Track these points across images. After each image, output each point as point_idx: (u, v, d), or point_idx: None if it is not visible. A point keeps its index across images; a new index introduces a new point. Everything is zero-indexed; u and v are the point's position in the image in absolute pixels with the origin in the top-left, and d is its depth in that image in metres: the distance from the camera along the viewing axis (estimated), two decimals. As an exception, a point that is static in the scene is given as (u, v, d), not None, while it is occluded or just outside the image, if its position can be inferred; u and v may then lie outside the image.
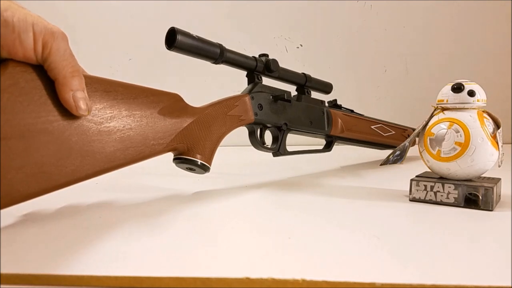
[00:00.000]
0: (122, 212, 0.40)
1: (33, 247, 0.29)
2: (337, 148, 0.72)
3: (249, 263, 0.27)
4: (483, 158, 0.40)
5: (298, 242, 0.31)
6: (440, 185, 0.41)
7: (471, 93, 0.41)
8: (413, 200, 0.43)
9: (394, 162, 0.46)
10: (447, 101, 0.42)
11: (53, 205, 0.41)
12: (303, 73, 0.61)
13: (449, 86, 0.42)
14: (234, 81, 0.76)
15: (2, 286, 0.24)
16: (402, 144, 0.46)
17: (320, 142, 0.69)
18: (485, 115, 0.41)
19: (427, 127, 0.43)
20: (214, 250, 0.29)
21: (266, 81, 0.55)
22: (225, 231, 0.35)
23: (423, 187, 0.42)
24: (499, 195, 0.42)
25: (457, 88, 0.41)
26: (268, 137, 0.58)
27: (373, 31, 1.20)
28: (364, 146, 0.76)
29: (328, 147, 0.67)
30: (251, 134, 0.55)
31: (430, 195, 0.42)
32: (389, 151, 0.48)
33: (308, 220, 0.37)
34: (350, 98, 0.89)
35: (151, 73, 1.18)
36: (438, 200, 0.41)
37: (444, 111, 0.43)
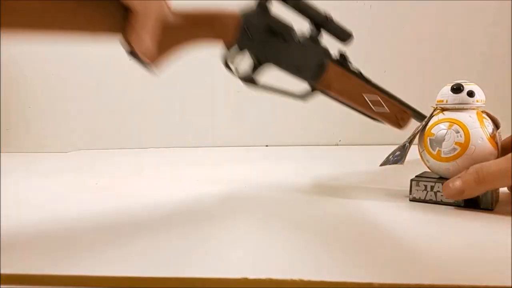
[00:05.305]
0: (122, 213, 0.40)
1: (33, 247, 0.30)
2: (338, 148, 0.72)
3: (247, 263, 0.27)
4: (483, 158, 0.40)
5: (297, 242, 0.31)
6: (440, 185, 0.41)
7: (471, 94, 0.41)
8: (413, 200, 0.43)
9: (394, 162, 0.46)
10: (446, 101, 0.42)
11: (53, 205, 0.41)
12: (325, 14, 0.51)
13: (448, 87, 0.42)
14: (235, 82, 0.76)
15: (2, 286, 0.24)
16: (402, 144, 0.46)
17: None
18: (484, 115, 0.42)
19: (427, 127, 0.43)
20: (214, 250, 0.29)
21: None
22: (224, 231, 0.35)
23: (423, 187, 0.42)
24: (499, 195, 0.42)
25: (457, 89, 0.41)
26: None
27: (373, 31, 1.20)
28: (350, 109, 0.63)
29: (305, 96, 0.55)
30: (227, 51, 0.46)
31: (430, 195, 0.42)
32: (387, 149, 0.47)
33: (306, 220, 0.37)
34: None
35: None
36: (438, 200, 0.41)
37: (444, 112, 0.43)
